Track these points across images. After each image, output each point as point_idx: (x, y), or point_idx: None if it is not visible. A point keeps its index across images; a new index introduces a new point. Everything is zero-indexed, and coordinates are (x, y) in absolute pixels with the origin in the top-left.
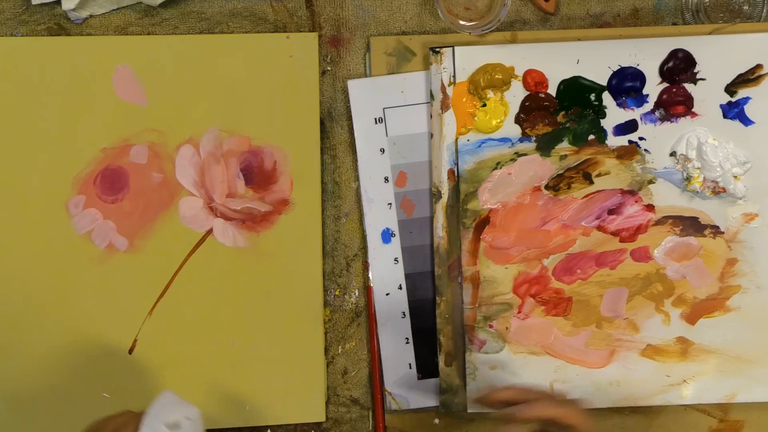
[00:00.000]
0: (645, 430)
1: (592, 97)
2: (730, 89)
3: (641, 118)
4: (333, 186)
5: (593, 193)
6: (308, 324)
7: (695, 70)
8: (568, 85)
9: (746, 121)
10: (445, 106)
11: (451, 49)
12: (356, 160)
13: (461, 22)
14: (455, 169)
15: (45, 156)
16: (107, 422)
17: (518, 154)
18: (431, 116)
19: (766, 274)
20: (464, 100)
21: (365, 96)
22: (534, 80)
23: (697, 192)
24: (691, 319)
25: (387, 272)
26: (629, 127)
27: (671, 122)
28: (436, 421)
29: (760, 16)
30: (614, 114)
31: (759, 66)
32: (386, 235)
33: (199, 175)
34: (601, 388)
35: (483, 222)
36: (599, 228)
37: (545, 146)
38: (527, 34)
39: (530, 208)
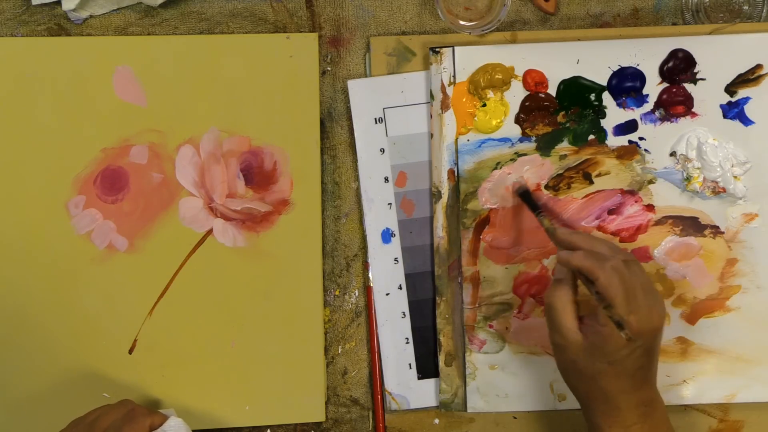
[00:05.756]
0: None
1: (592, 97)
2: (730, 89)
3: (641, 118)
4: (333, 186)
5: (593, 193)
6: (308, 324)
7: (695, 70)
8: (568, 85)
9: (746, 121)
10: (445, 106)
11: (451, 49)
12: (356, 160)
13: (461, 22)
14: (455, 169)
15: (45, 156)
16: (110, 411)
17: (518, 154)
18: (431, 116)
19: (766, 274)
20: (464, 100)
21: (365, 96)
22: (534, 80)
23: (697, 192)
24: (691, 319)
25: (387, 272)
26: (629, 127)
27: (671, 122)
28: (436, 421)
29: (760, 16)
30: (614, 114)
31: (759, 66)
32: (386, 235)
33: (199, 175)
34: None
35: (483, 222)
36: (599, 228)
37: (545, 146)
38: (527, 34)
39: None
